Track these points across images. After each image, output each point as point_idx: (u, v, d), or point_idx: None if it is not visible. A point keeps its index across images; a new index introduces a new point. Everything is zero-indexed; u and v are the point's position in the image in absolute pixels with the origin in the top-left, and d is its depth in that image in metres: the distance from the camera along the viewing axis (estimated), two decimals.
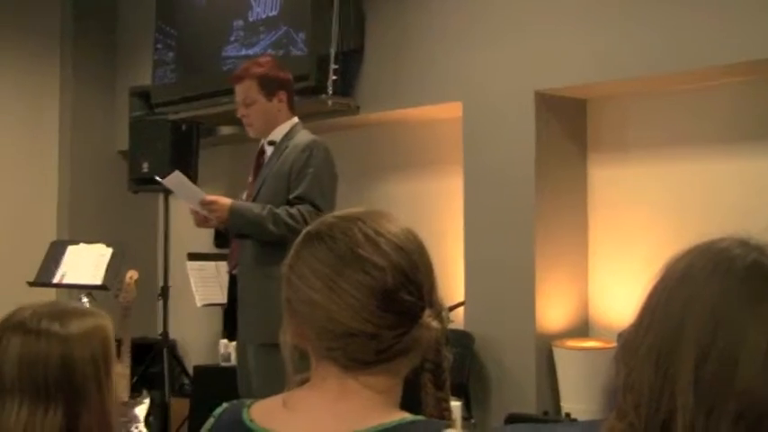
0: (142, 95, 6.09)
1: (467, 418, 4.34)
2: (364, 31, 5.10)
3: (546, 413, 4.24)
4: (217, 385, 4.66)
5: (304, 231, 1.34)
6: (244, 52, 5.26)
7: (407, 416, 1.27)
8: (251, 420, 1.32)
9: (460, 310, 4.57)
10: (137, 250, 6.11)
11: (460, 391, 4.25)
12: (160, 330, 5.68)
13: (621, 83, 4.19)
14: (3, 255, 6.28)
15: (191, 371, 5.68)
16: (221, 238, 5.44)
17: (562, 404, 4.25)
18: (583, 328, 4.47)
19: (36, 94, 6.68)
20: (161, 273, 5.88)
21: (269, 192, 3.65)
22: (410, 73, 4.86)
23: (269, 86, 3.72)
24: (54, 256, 5.27)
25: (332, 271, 1.27)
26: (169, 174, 3.80)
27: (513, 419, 4.13)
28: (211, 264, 5.47)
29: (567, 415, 4.13)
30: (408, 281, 1.28)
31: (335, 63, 4.89)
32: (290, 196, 3.59)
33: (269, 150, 3.78)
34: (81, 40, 6.73)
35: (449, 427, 1.27)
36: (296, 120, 3.80)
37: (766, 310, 1.00)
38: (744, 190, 4.01)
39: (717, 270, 1.04)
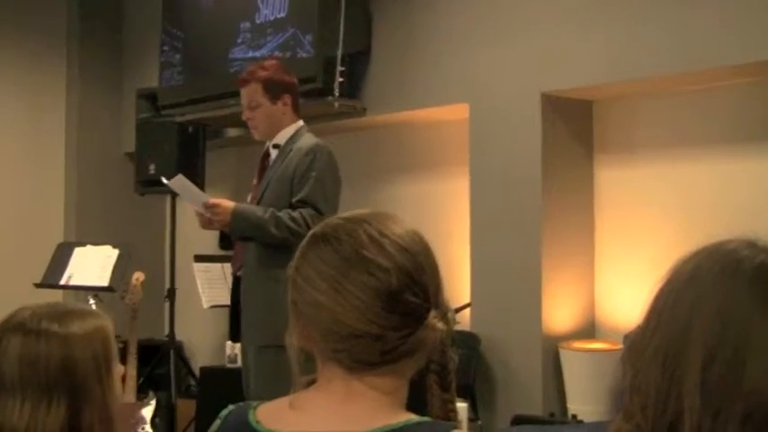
0: (149, 97, 6.10)
1: (473, 419, 4.34)
2: (371, 33, 5.10)
3: (552, 414, 4.23)
4: (223, 387, 4.67)
5: (309, 233, 1.35)
6: (251, 54, 5.26)
7: (413, 417, 1.27)
8: (257, 422, 1.32)
9: (467, 311, 4.56)
10: (143, 252, 6.12)
11: (467, 393, 4.25)
12: (167, 332, 5.69)
13: (628, 84, 4.18)
14: (10, 256, 6.29)
15: (197, 372, 5.68)
16: (226, 240, 5.45)
17: (568, 405, 4.24)
18: (589, 329, 4.46)
19: (42, 94, 6.69)
20: (168, 274, 5.89)
21: (273, 195, 3.66)
22: (417, 75, 4.86)
23: (274, 90, 3.73)
24: (61, 257, 5.28)
25: (337, 272, 1.27)
26: (173, 176, 3.82)
27: (519, 421, 4.13)
28: (218, 265, 5.48)
29: (574, 416, 4.12)
30: (413, 282, 1.28)
31: (342, 65, 4.89)
32: (293, 200, 3.60)
33: (273, 153, 3.79)
34: (87, 40, 6.74)
35: (455, 428, 1.27)
36: (301, 123, 3.81)
37: None
38: (751, 191, 4.00)
39: (725, 272, 1.03)
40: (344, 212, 1.37)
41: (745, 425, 0.96)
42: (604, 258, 4.49)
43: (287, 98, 3.76)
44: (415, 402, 1.32)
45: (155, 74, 6.06)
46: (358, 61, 5.08)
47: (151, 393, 4.95)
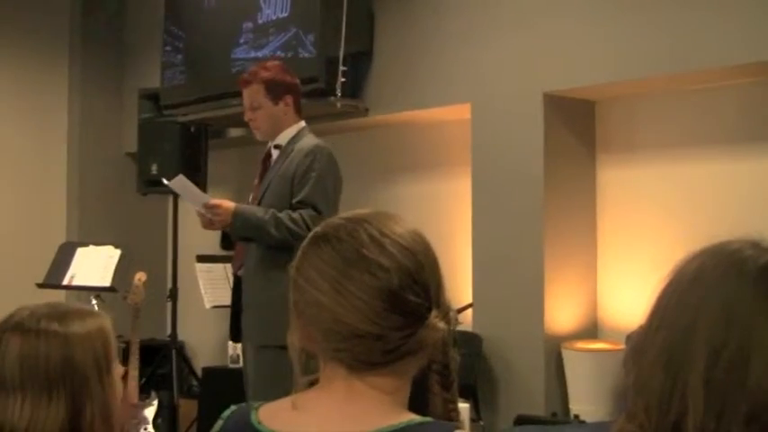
0: (151, 97, 6.10)
1: (475, 419, 4.34)
2: (373, 33, 5.10)
3: (555, 414, 4.23)
4: (225, 387, 4.66)
5: (311, 233, 1.35)
6: (253, 54, 5.26)
7: (416, 417, 1.27)
8: (259, 422, 1.32)
9: (469, 311, 4.56)
10: (146, 252, 6.13)
11: (469, 393, 4.25)
12: (169, 332, 5.69)
13: (630, 84, 4.18)
14: (12, 256, 6.30)
15: (199, 372, 5.69)
16: (227, 240, 5.45)
17: (571, 406, 4.24)
18: (592, 329, 4.46)
19: (44, 94, 6.70)
20: (170, 274, 5.89)
21: (274, 195, 3.67)
22: (419, 74, 4.86)
23: (275, 91, 3.74)
24: (63, 257, 5.28)
25: (338, 272, 1.27)
26: (174, 177, 3.83)
27: (521, 421, 4.13)
28: (220, 266, 5.48)
29: (576, 416, 4.12)
30: (414, 282, 1.28)
31: (344, 65, 4.89)
32: (293, 200, 3.60)
33: (275, 154, 3.80)
34: (89, 40, 6.74)
35: (457, 428, 1.27)
36: (302, 123, 3.81)
37: None
38: (754, 190, 4.00)
39: (729, 272, 1.03)
40: (346, 212, 1.37)
41: (749, 425, 0.96)
42: (607, 258, 4.49)
43: (289, 99, 3.76)
44: (417, 402, 1.32)
45: (157, 74, 6.06)
46: (360, 61, 5.08)
47: (153, 393, 4.96)
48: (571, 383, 4.25)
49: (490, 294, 4.50)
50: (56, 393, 1.54)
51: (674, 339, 1.02)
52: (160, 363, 5.53)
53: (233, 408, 1.39)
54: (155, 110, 6.05)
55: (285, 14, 5.13)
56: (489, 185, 4.56)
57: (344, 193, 3.77)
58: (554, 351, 4.31)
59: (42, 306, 1.64)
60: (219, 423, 1.38)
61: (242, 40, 5.39)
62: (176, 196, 5.62)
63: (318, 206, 3.56)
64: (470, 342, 4.38)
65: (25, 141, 6.63)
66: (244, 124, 4.07)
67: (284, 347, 1.37)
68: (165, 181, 3.89)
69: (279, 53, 5.04)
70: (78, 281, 5.15)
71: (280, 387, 1.39)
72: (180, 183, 3.80)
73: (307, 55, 4.94)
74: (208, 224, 3.75)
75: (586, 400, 4.14)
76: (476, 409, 4.37)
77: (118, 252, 5.17)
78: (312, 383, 1.32)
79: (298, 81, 3.86)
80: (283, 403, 1.33)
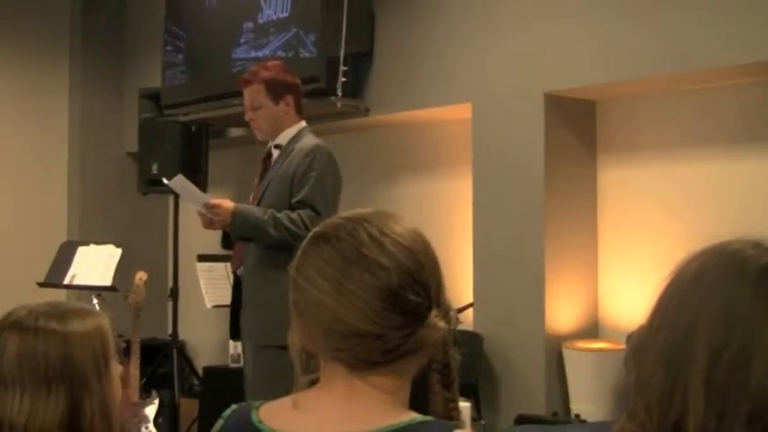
0: (152, 97, 6.10)
1: (476, 418, 4.33)
2: (374, 33, 5.10)
3: (555, 414, 4.23)
4: (226, 386, 4.67)
5: (310, 233, 1.35)
6: (253, 54, 5.26)
7: (417, 416, 1.27)
8: (260, 422, 1.32)
9: (470, 310, 4.56)
10: (146, 251, 6.13)
11: (470, 392, 4.25)
12: (170, 331, 5.69)
13: (631, 84, 4.18)
14: (13, 255, 6.30)
15: (200, 372, 5.69)
16: (228, 240, 5.45)
17: (572, 405, 4.24)
18: (592, 329, 4.46)
19: (45, 93, 6.70)
20: (171, 274, 5.89)
21: (273, 195, 3.68)
22: (420, 74, 4.86)
23: (276, 91, 3.74)
24: (64, 256, 5.28)
25: (338, 272, 1.27)
26: (173, 177, 3.84)
27: (522, 420, 4.13)
28: (221, 265, 5.48)
29: (577, 416, 4.12)
30: (414, 281, 1.28)
31: (345, 65, 4.89)
32: (293, 200, 3.61)
33: (275, 153, 3.80)
34: (90, 39, 6.74)
35: (458, 427, 1.27)
36: (303, 123, 3.82)
37: None
38: (755, 190, 4.00)
39: (730, 272, 1.03)
40: (345, 212, 1.37)
41: (751, 426, 0.96)
42: (607, 258, 4.49)
43: (289, 99, 3.77)
44: (418, 401, 1.32)
45: (157, 73, 6.07)
46: (361, 61, 5.08)
47: (154, 393, 4.96)
48: (572, 383, 4.25)
49: (491, 294, 4.50)
50: (54, 388, 1.54)
51: (675, 339, 1.02)
52: (161, 362, 5.53)
53: (233, 407, 1.39)
54: (155, 110, 6.05)
55: (286, 14, 5.13)
56: (490, 185, 4.56)
57: (345, 192, 3.77)
58: (555, 350, 4.31)
59: (41, 305, 1.64)
60: (220, 422, 1.38)
61: (242, 40, 5.39)
62: (177, 196, 5.62)
63: (317, 206, 3.57)
64: (471, 341, 4.38)
65: (26, 141, 6.63)
66: (244, 124, 4.07)
67: (283, 347, 1.37)
68: (165, 180, 3.90)
69: (279, 53, 5.04)
70: (79, 280, 5.15)
71: (278, 387, 1.39)
72: (179, 182, 3.81)
73: (307, 55, 4.94)
74: (208, 224, 3.76)
75: (587, 400, 4.14)
76: (477, 408, 4.37)
77: (119, 251, 5.17)
78: (312, 383, 1.32)
79: (298, 81, 3.86)
80: (284, 402, 1.33)
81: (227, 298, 5.07)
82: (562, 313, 4.37)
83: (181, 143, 5.75)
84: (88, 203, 6.67)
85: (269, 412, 1.33)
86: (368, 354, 1.26)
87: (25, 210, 6.55)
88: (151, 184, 5.78)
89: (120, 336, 4.22)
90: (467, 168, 4.73)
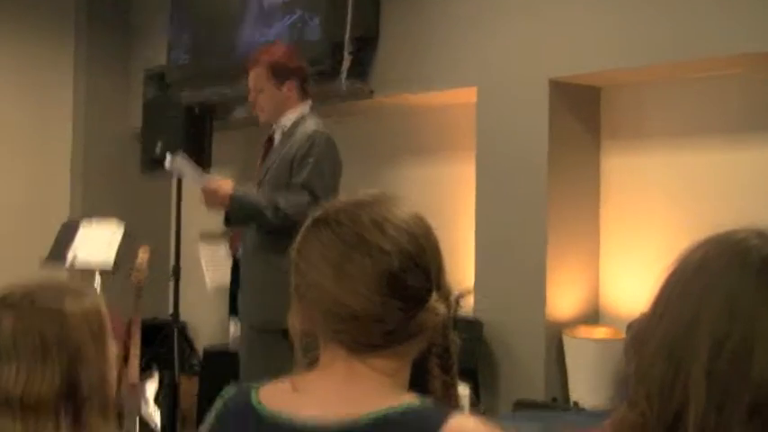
0: (156, 77, 6.10)
1: (475, 403, 4.34)
2: (379, 16, 5.08)
3: (554, 400, 4.24)
4: (225, 367, 4.68)
5: (311, 216, 1.35)
6: (258, 36, 5.25)
7: (416, 399, 1.27)
8: (259, 403, 1.32)
9: (470, 295, 4.56)
10: (149, 231, 6.13)
11: (469, 377, 4.25)
12: (171, 311, 5.70)
13: (636, 71, 4.17)
14: (15, 234, 6.30)
15: (201, 352, 5.70)
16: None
17: (570, 393, 4.25)
18: (593, 316, 4.46)
19: (50, 72, 6.69)
20: (173, 253, 5.90)
21: (274, 178, 3.68)
22: (425, 58, 4.85)
23: (279, 75, 3.74)
24: (66, 235, 5.29)
25: (338, 255, 1.28)
26: (174, 157, 3.84)
27: (521, 406, 4.14)
28: (224, 245, 5.48)
29: (575, 404, 4.13)
30: (415, 265, 1.28)
31: (350, 48, 4.88)
32: (291, 184, 3.61)
33: (277, 137, 3.80)
34: (95, 18, 6.73)
35: (457, 411, 1.27)
36: (307, 108, 3.81)
37: None
38: (759, 179, 3.99)
39: (732, 262, 1.03)
40: (348, 195, 1.37)
41: (751, 417, 0.96)
42: (609, 245, 4.48)
43: (292, 83, 3.77)
44: (417, 384, 1.32)
45: (162, 53, 6.05)
46: (366, 43, 5.07)
47: (154, 367, 4.97)
48: (571, 370, 4.25)
49: (492, 279, 4.50)
50: (51, 360, 1.54)
51: (678, 329, 1.02)
52: (162, 342, 5.54)
53: (233, 388, 1.39)
54: (160, 90, 6.05)
55: None
56: (493, 170, 4.55)
57: (348, 175, 3.76)
58: (555, 337, 4.31)
59: (36, 282, 1.65)
60: (219, 402, 1.38)
61: (248, 22, 5.38)
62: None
63: (315, 191, 3.56)
64: (471, 327, 4.39)
65: (29, 119, 6.62)
66: (248, 106, 4.07)
67: (279, 332, 1.37)
68: (167, 164, 3.89)
69: (284, 35, 5.02)
70: (81, 258, 5.16)
71: (272, 370, 1.39)
72: (178, 162, 3.81)
73: (312, 37, 4.93)
74: (210, 205, 3.77)
75: (586, 388, 4.15)
76: (476, 393, 4.37)
77: (121, 228, 5.18)
78: (312, 365, 1.32)
79: (304, 65, 3.86)
80: (283, 384, 1.33)
81: (227, 278, 5.09)
82: (563, 300, 4.37)
83: (184, 124, 5.74)
84: (91, 182, 6.68)
85: (268, 394, 1.33)
86: (368, 336, 1.27)
87: (28, 188, 6.56)
88: (154, 164, 5.77)
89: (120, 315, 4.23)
90: (470, 153, 4.72)
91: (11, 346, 1.55)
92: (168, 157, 3.92)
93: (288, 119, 3.77)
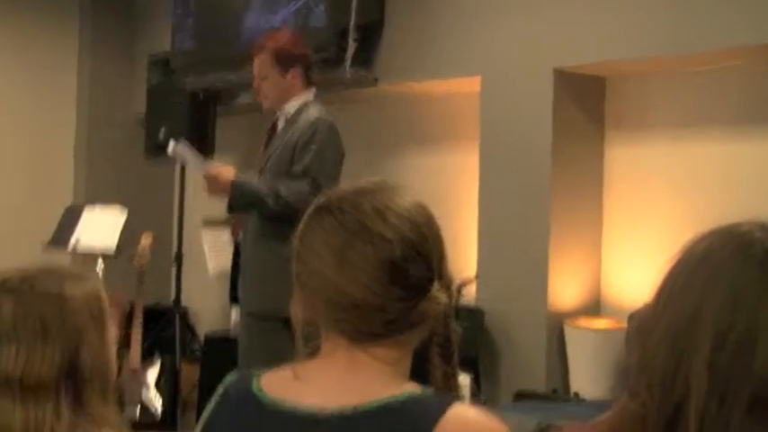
0: (161, 63, 6.09)
1: (476, 393, 4.35)
2: (384, 3, 5.07)
3: (555, 391, 4.24)
4: (227, 353, 4.68)
5: (313, 204, 1.34)
6: (263, 22, 5.24)
7: (417, 388, 1.27)
8: (260, 390, 1.32)
9: (472, 285, 4.56)
10: (152, 216, 6.14)
11: (470, 367, 4.26)
12: (173, 297, 5.71)
13: (641, 61, 4.16)
14: (19, 218, 6.31)
15: (202, 338, 5.71)
16: None
17: (571, 383, 4.25)
18: (595, 307, 4.46)
19: (54, 57, 6.68)
20: (175, 239, 5.90)
21: (276, 164, 3.68)
22: (430, 46, 4.84)
23: (283, 62, 3.74)
24: (69, 219, 5.29)
25: (340, 243, 1.27)
26: (175, 144, 3.85)
27: (522, 396, 4.14)
28: (227, 231, 5.48)
29: (576, 394, 4.13)
30: (417, 253, 1.28)
31: (355, 35, 4.87)
32: (293, 172, 3.61)
33: (281, 124, 3.81)
34: (100, 3, 6.71)
35: (458, 401, 1.27)
36: (311, 95, 3.81)
37: None
38: (762, 171, 3.98)
39: (735, 254, 1.03)
40: (350, 183, 1.36)
41: (752, 410, 0.96)
42: (612, 236, 4.48)
43: (297, 70, 3.76)
44: (418, 373, 1.32)
45: (167, 38, 6.04)
46: (371, 31, 5.05)
47: (156, 353, 4.99)
48: (572, 361, 4.25)
49: (494, 269, 4.50)
50: (51, 341, 1.55)
51: (680, 320, 1.02)
52: (164, 327, 5.55)
53: (234, 374, 1.39)
54: (164, 75, 6.04)
55: None
56: (497, 160, 4.55)
57: (352, 163, 3.76)
58: (556, 327, 4.31)
59: (36, 267, 1.65)
60: (220, 389, 1.39)
61: (253, 8, 5.36)
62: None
63: (318, 178, 3.56)
64: (473, 316, 4.39)
65: (33, 103, 6.61)
66: (253, 92, 4.07)
67: (279, 319, 1.37)
68: (169, 151, 3.90)
69: (290, 22, 5.01)
70: (84, 242, 5.16)
71: (271, 357, 1.39)
72: (180, 149, 3.81)
73: (317, 24, 4.92)
74: (212, 191, 3.77)
75: (587, 378, 4.15)
76: (476, 382, 4.38)
77: (124, 214, 5.18)
78: (313, 353, 1.32)
79: (308, 52, 3.86)
80: (284, 372, 1.33)
81: (230, 264, 5.09)
82: (565, 290, 4.37)
83: (189, 109, 5.74)
84: (95, 167, 6.67)
85: (269, 381, 1.33)
86: (369, 325, 1.27)
87: (32, 172, 6.56)
88: (158, 150, 5.77)
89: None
90: (474, 142, 4.71)
91: (11, 330, 1.55)
92: (171, 143, 3.92)
93: (291, 106, 3.77)
